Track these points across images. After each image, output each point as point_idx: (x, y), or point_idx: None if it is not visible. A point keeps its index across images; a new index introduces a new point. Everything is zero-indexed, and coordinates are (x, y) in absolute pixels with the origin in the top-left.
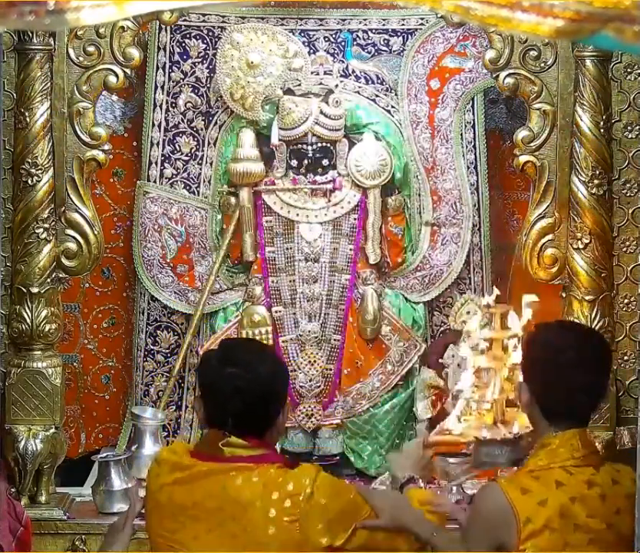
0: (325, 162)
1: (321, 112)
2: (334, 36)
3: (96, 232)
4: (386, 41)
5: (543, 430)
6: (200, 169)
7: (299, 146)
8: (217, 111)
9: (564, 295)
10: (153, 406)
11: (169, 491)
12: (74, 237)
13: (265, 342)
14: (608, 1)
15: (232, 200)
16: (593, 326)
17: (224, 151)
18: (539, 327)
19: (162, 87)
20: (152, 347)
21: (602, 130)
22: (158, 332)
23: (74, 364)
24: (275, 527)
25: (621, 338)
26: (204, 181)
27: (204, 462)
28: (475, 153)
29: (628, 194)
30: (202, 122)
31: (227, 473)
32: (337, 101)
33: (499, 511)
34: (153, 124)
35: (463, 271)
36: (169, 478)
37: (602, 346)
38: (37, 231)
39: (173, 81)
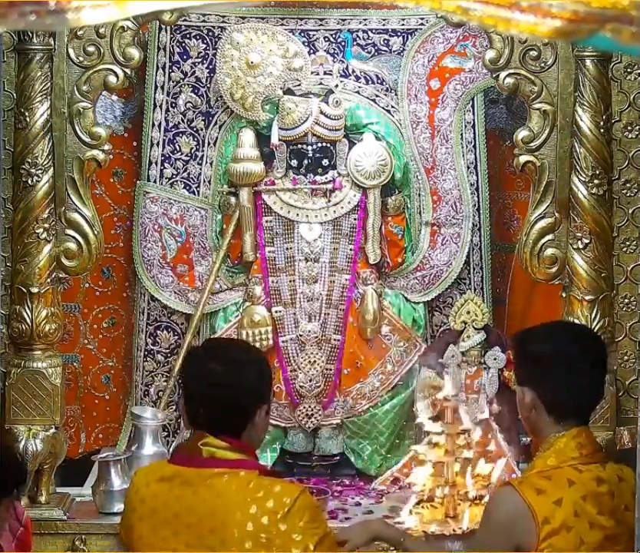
0: (325, 162)
1: (321, 112)
2: (334, 36)
3: (96, 232)
4: (386, 41)
5: (547, 430)
6: (200, 169)
7: (299, 146)
8: (217, 111)
9: (564, 295)
10: (153, 406)
11: (152, 504)
12: (74, 237)
13: (265, 342)
14: (606, 1)
15: (232, 200)
16: (593, 326)
17: (224, 151)
18: (533, 328)
19: (162, 87)
20: (152, 347)
21: (602, 130)
22: (158, 332)
23: (74, 364)
24: (252, 542)
25: (621, 338)
26: (204, 181)
27: (184, 467)
28: (475, 153)
29: (628, 194)
30: (202, 122)
31: (205, 483)
32: (337, 101)
33: (517, 513)
34: (153, 124)
35: (463, 271)
36: (150, 490)
37: (600, 342)
38: (37, 231)
39: (173, 81)
